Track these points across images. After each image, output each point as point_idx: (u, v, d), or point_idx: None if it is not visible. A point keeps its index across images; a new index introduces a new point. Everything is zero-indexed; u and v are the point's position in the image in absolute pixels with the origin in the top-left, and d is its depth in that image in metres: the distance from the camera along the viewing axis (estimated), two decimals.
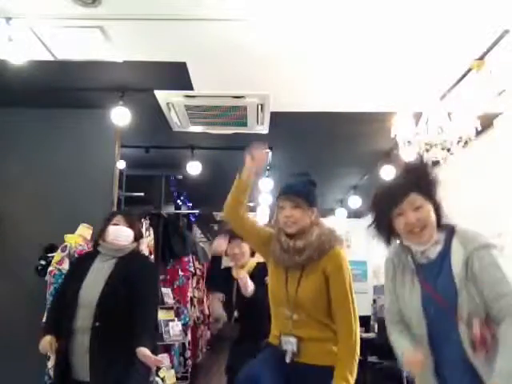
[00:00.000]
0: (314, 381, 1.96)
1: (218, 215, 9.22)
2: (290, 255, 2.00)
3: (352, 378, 1.89)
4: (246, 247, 3.02)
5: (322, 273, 1.98)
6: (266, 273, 2.46)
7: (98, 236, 2.64)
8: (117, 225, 2.59)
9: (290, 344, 1.96)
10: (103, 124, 3.90)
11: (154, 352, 2.41)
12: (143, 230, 4.84)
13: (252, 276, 2.84)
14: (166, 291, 5.30)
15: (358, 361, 1.95)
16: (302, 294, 1.96)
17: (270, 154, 5.24)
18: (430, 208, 1.67)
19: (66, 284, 2.58)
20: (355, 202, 6.90)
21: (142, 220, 4.89)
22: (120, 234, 2.58)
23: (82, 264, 2.61)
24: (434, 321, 1.64)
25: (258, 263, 2.99)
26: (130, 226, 2.63)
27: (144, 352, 2.27)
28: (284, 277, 2.03)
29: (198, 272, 7.27)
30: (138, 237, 2.69)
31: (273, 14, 2.76)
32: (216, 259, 3.22)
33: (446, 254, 1.65)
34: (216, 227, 9.13)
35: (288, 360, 1.94)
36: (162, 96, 3.85)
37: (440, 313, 1.63)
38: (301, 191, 2.11)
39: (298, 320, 1.98)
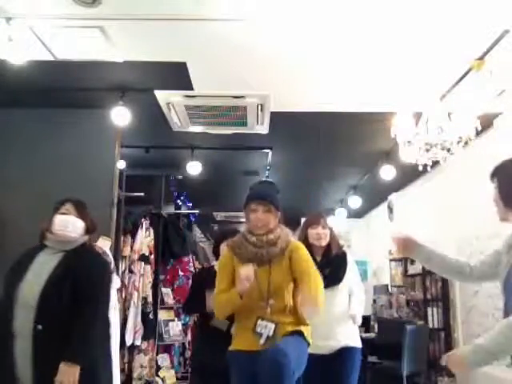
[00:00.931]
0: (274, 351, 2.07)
1: (218, 215, 9.23)
2: (266, 248, 2.25)
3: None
4: None
5: (288, 259, 2.26)
6: None
7: (45, 227, 2.34)
8: (65, 214, 2.32)
9: (267, 329, 2.15)
10: (103, 124, 3.89)
11: (91, 366, 2.13)
12: (143, 229, 4.84)
13: None
14: (166, 291, 5.29)
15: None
16: (274, 282, 2.20)
17: (270, 153, 5.25)
18: None
19: (5, 282, 2.26)
20: (355, 201, 6.90)
21: (142, 220, 4.89)
22: (67, 224, 2.29)
23: (24, 259, 2.31)
24: (507, 295, 1.79)
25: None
26: (81, 216, 2.35)
27: (66, 373, 1.99)
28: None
29: None
30: (90, 229, 2.40)
31: (273, 14, 2.76)
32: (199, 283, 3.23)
33: None
34: (216, 227, 9.13)
35: (262, 342, 2.13)
36: (162, 96, 3.85)
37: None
38: (273, 198, 2.37)
39: (274, 305, 2.19)
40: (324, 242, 2.89)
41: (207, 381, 2.92)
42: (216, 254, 3.26)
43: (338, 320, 2.79)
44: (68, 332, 2.08)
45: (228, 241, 2.57)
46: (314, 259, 2.68)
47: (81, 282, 2.19)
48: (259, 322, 2.17)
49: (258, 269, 2.19)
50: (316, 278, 2.23)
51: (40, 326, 2.07)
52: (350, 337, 2.84)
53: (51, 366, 2.02)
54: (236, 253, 2.31)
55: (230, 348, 2.29)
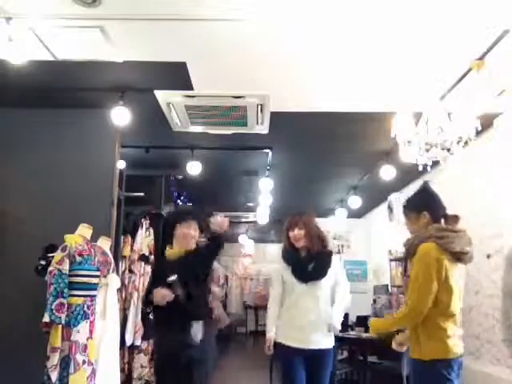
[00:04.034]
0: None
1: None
2: None
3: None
4: (197, 230, 3.25)
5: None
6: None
7: None
8: None
9: None
10: (103, 124, 3.89)
11: None
12: (143, 229, 4.84)
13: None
14: None
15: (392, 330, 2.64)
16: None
17: (270, 153, 5.25)
18: None
19: None
20: (355, 201, 6.90)
21: (142, 220, 4.89)
22: None
23: None
24: None
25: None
26: None
27: None
28: None
29: None
30: None
31: (273, 14, 2.76)
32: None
33: None
34: None
35: None
36: (162, 96, 3.85)
37: None
38: (403, 204, 2.59)
39: None
40: (301, 243, 3.09)
41: (177, 372, 2.84)
42: (170, 237, 3.24)
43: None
44: None
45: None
46: (299, 255, 3.09)
47: None
48: None
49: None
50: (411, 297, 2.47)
51: None
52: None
53: None
54: (446, 251, 2.35)
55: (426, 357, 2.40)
